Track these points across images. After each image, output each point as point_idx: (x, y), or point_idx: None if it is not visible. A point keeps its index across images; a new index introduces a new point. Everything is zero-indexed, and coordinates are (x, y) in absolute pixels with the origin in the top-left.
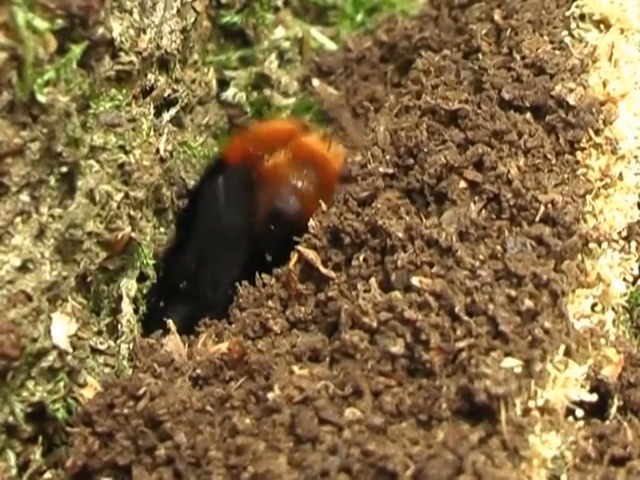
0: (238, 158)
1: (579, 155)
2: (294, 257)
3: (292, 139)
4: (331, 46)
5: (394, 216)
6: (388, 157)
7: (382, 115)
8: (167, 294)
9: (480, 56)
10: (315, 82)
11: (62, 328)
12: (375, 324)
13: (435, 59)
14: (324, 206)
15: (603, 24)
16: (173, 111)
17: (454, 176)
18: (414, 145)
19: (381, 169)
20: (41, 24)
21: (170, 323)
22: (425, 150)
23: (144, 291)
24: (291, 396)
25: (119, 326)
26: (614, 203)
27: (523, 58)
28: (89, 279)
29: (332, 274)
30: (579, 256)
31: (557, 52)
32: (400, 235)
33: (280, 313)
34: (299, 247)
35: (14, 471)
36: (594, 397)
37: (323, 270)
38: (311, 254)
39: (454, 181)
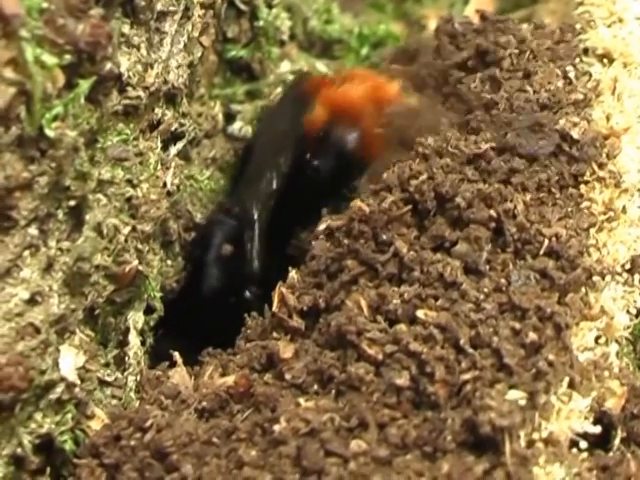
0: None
1: (583, 189)
2: (276, 298)
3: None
4: None
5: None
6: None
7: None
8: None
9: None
10: None
11: (70, 360)
12: (380, 357)
13: None
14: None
15: (606, 58)
16: (180, 145)
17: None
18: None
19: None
20: (49, 59)
21: (176, 355)
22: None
23: (151, 323)
24: (297, 428)
25: (126, 358)
26: (618, 236)
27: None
28: (97, 312)
29: (301, 325)
30: (583, 289)
31: (560, 85)
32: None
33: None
34: (281, 288)
35: None
36: (598, 429)
37: (292, 323)
38: (291, 299)
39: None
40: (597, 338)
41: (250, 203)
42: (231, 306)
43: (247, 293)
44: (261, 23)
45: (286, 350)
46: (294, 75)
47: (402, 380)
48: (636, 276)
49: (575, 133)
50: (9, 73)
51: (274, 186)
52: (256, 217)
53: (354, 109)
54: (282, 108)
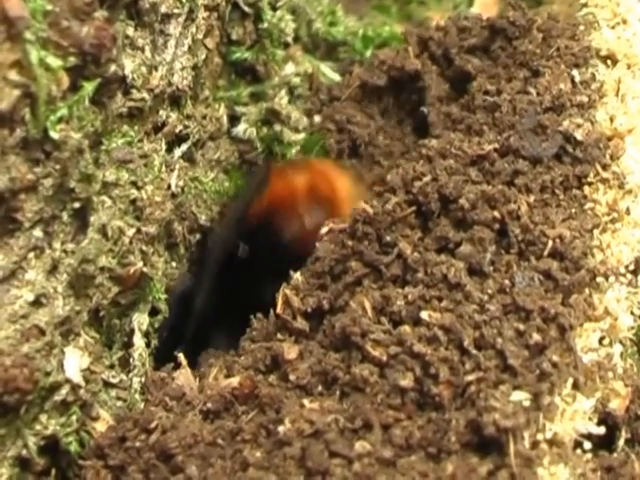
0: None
1: (587, 190)
2: (280, 300)
3: (318, 174)
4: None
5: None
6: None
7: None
8: None
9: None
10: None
11: (75, 362)
12: (385, 358)
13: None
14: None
15: (610, 60)
16: (184, 147)
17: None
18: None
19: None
20: (54, 62)
21: (181, 357)
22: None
23: (155, 325)
24: (302, 429)
25: (131, 360)
26: (621, 237)
27: (538, 94)
28: (101, 313)
29: (305, 326)
30: (587, 290)
31: (562, 87)
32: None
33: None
34: (285, 289)
35: None
36: (602, 430)
37: (296, 324)
38: (295, 301)
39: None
40: (601, 339)
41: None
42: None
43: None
44: (265, 25)
45: (290, 351)
46: (259, 165)
47: (406, 381)
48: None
49: (579, 135)
50: (14, 75)
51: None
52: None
53: (292, 199)
54: (242, 193)
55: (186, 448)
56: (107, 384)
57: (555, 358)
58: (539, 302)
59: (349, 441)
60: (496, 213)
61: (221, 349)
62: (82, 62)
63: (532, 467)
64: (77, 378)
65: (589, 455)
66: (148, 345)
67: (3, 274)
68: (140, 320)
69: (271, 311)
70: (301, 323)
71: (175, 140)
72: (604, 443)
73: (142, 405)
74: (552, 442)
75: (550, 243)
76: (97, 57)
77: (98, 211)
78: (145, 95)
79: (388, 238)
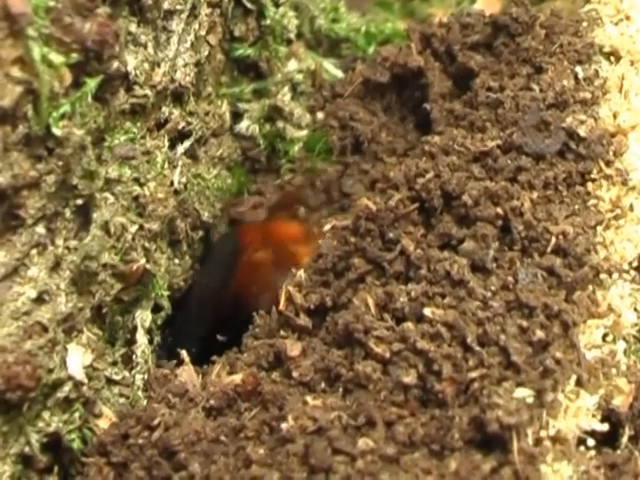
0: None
1: (590, 186)
2: (283, 297)
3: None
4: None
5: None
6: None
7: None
8: None
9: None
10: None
11: (78, 359)
12: (388, 355)
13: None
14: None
15: (613, 56)
16: (187, 143)
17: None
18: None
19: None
20: (56, 58)
21: (184, 354)
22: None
23: (158, 322)
24: (305, 426)
25: (134, 357)
26: (625, 234)
27: (541, 91)
28: (104, 310)
29: (308, 323)
30: (590, 287)
31: (565, 84)
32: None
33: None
34: (288, 286)
35: None
36: (605, 427)
37: (299, 321)
38: (298, 298)
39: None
40: (604, 336)
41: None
42: None
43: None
44: (268, 22)
45: (293, 348)
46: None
47: (409, 378)
48: None
49: (582, 131)
50: (16, 72)
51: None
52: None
53: (261, 277)
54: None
55: (189, 445)
56: (110, 381)
57: (558, 355)
58: (542, 299)
59: (352, 438)
60: (499, 210)
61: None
62: (85, 58)
63: (535, 464)
64: (80, 375)
65: (592, 452)
66: (151, 342)
67: (5, 271)
68: (143, 317)
69: (274, 308)
70: (304, 320)
71: (178, 137)
72: (607, 440)
73: (145, 402)
74: (555, 439)
75: (553, 240)
76: (100, 53)
77: (101, 208)
78: (148, 92)
79: (391, 235)
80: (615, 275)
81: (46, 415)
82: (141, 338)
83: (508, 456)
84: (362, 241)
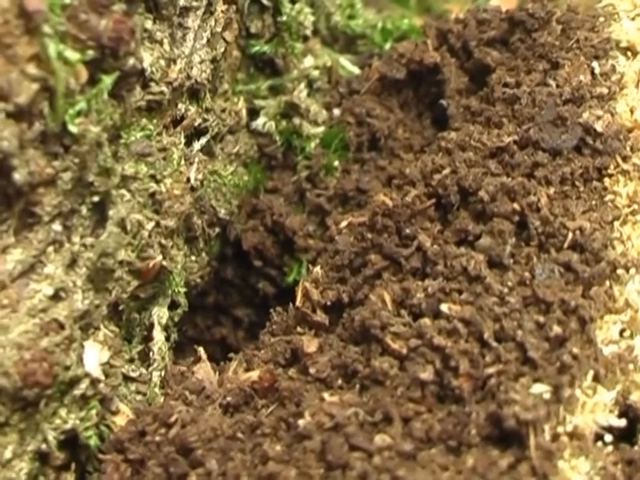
0: None
1: (607, 182)
2: (299, 293)
3: None
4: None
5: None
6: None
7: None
8: None
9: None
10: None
11: (94, 356)
12: (404, 351)
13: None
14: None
15: (630, 51)
16: (203, 140)
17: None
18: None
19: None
20: (72, 55)
21: (201, 350)
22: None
23: (175, 319)
24: (322, 423)
25: (151, 354)
26: None
27: (558, 86)
28: (121, 307)
29: (324, 319)
30: (607, 282)
31: (582, 79)
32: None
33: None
34: (305, 283)
35: None
36: (623, 422)
37: (316, 317)
38: (315, 294)
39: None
40: (622, 331)
41: None
42: None
43: None
44: (284, 18)
45: (310, 345)
46: None
47: (426, 374)
48: None
49: (599, 126)
50: (32, 69)
51: None
52: None
53: None
54: None
55: (206, 442)
56: (127, 378)
57: (575, 350)
58: (559, 294)
59: (369, 434)
60: (516, 205)
61: None
62: (100, 55)
63: (553, 460)
64: (97, 372)
65: (610, 448)
66: (168, 339)
67: (22, 268)
68: (160, 314)
69: (290, 304)
70: (321, 316)
71: (194, 133)
72: (625, 436)
73: (162, 399)
74: (573, 435)
75: (570, 235)
76: (116, 50)
77: (117, 205)
78: (164, 88)
79: (408, 231)
80: (632, 270)
81: (63, 412)
82: (158, 335)
83: (525, 452)
84: (379, 237)
